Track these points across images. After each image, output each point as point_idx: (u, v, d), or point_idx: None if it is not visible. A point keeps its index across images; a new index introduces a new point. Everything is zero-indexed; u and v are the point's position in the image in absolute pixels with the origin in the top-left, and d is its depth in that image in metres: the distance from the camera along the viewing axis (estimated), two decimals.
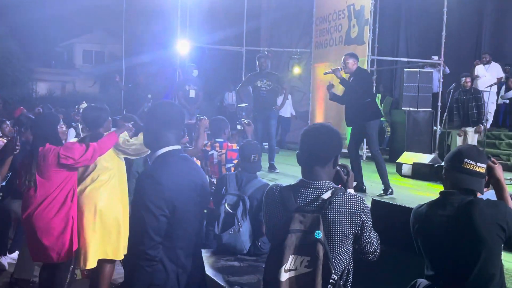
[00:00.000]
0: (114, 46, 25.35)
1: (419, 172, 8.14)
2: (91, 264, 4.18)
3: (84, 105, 7.69)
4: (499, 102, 11.51)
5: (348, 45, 11.54)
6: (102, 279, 4.28)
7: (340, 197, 2.21)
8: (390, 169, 9.00)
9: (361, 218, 2.22)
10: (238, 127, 5.47)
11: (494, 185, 2.60)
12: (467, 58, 12.40)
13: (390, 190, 6.43)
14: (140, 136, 4.39)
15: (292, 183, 2.36)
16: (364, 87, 6.55)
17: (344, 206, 2.20)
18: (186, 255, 2.38)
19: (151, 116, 2.51)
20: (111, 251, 4.22)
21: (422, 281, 2.59)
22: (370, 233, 2.28)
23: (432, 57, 11.83)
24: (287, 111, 12.70)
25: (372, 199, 4.35)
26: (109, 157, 4.29)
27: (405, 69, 11.00)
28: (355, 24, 11.28)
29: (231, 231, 3.82)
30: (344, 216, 2.19)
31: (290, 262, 2.12)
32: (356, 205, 2.22)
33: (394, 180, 8.09)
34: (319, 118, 12.60)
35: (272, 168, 8.44)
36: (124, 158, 4.51)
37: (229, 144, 5.34)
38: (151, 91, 12.56)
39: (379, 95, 12.33)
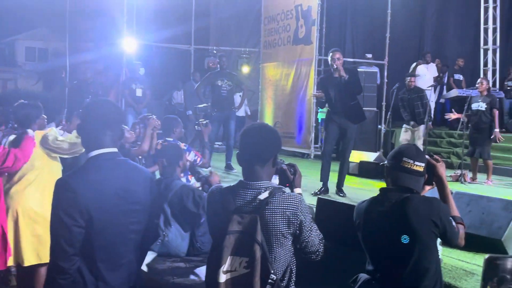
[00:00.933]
0: (58, 43, 24.56)
1: (365, 170, 8.34)
2: (25, 269, 4.00)
3: None
4: (440, 101, 11.93)
5: (296, 44, 11.66)
6: (36, 286, 4.05)
7: (277, 197, 2.21)
8: (336, 167, 9.17)
9: (298, 217, 2.21)
10: (196, 127, 5.39)
11: (436, 183, 2.68)
12: (410, 58, 12.76)
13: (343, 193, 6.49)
14: (70, 135, 4.24)
15: (232, 184, 2.36)
16: (358, 87, 6.43)
17: (281, 206, 2.19)
18: (109, 267, 2.21)
19: (86, 115, 2.35)
20: (44, 255, 3.93)
21: (363, 276, 2.66)
22: (310, 232, 2.27)
23: (366, 55, 12.14)
24: (242, 110, 12.71)
25: (318, 197, 4.40)
26: (37, 156, 4.08)
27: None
28: (302, 24, 11.40)
29: (159, 242, 3.75)
30: (281, 216, 2.19)
31: (228, 263, 2.12)
32: (294, 205, 2.21)
33: None
34: (268, 117, 12.66)
35: (229, 168, 8.39)
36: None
37: (179, 143, 5.27)
38: (97, 89, 12.26)
39: None
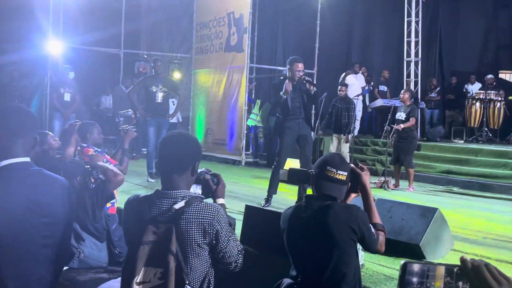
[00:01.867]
0: None
1: (295, 177, 8.41)
2: None
3: None
4: (368, 110, 12.37)
5: (228, 52, 11.71)
6: None
7: (193, 207, 2.19)
8: (267, 174, 9.27)
9: (214, 227, 2.19)
10: (122, 133, 5.25)
11: (360, 191, 2.76)
12: (338, 68, 13.15)
13: None
14: None
15: (149, 193, 2.32)
16: (317, 97, 6.37)
17: (197, 215, 2.17)
18: (18, 284, 2.08)
19: None
20: None
21: (286, 280, 2.71)
22: (227, 243, 2.25)
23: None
24: (175, 116, 12.56)
25: (246, 204, 4.41)
26: None
27: (281, 78, 11.38)
28: (234, 32, 11.47)
29: (76, 259, 3.64)
30: (197, 226, 2.17)
31: (142, 274, 2.08)
32: (210, 215, 2.19)
33: None
34: (199, 124, 12.61)
35: (150, 177, 8.20)
36: None
37: (90, 149, 5.07)
38: (22, 93, 11.71)
39: (258, 101, 12.66)
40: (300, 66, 6.05)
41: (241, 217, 4.35)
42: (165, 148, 2.30)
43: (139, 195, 2.34)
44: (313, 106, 6.51)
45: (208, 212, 2.19)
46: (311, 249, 2.57)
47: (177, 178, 2.26)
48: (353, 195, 2.79)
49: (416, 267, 1.20)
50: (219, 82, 11.89)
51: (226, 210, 2.49)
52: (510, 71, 12.31)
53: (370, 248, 2.62)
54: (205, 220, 2.17)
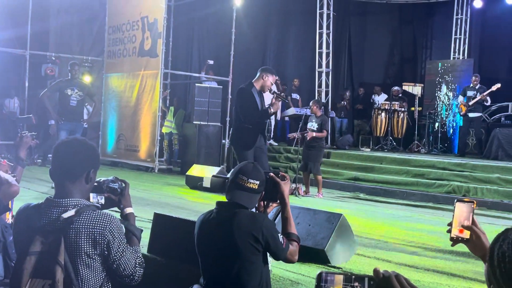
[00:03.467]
0: None
1: (217, 185, 8.33)
2: None
3: None
4: (278, 118, 12.62)
5: (142, 56, 11.51)
6: None
7: (84, 216, 2.11)
8: (180, 181, 9.19)
9: (106, 238, 2.11)
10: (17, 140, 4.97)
11: (279, 199, 2.76)
12: (253, 77, 13.29)
13: None
14: None
15: (39, 202, 2.22)
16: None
17: (87, 225, 2.10)
18: None
19: None
20: None
21: (195, 287, 2.68)
22: (121, 254, 2.18)
23: (208, 61, 12.50)
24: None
25: (154, 212, 4.33)
26: None
27: (196, 84, 11.38)
28: (148, 36, 11.29)
29: None
30: (86, 236, 2.09)
31: (28, 286, 1.99)
32: (101, 224, 2.11)
33: (183, 192, 8.26)
34: (111, 129, 12.25)
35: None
36: None
37: None
38: None
39: (172, 108, 12.53)
40: (273, 79, 5.70)
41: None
42: (58, 154, 2.22)
43: (30, 204, 2.23)
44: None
45: (100, 222, 2.11)
46: (216, 257, 2.58)
47: (69, 185, 2.18)
48: (274, 204, 2.79)
49: (326, 275, 1.24)
50: (132, 87, 11.64)
51: (136, 219, 2.43)
52: (413, 84, 13.08)
53: (276, 256, 2.62)
54: (95, 230, 2.09)
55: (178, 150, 12.10)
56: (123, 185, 2.41)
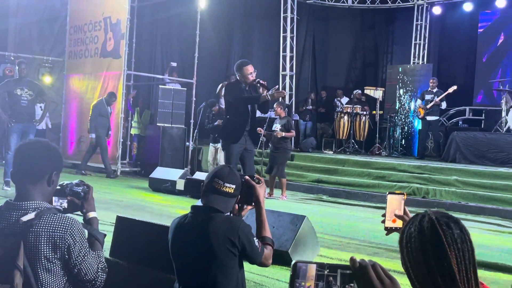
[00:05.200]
0: None
1: (192, 188, 8.18)
2: None
3: None
4: None
5: (104, 57, 11.34)
6: None
7: (44, 219, 2.08)
8: (143, 184, 9.10)
9: (66, 241, 2.07)
10: None
11: (254, 203, 2.74)
12: (217, 79, 13.31)
13: None
14: None
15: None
16: (267, 103, 5.80)
17: (47, 229, 2.07)
18: None
19: None
20: None
21: None
22: (83, 258, 2.15)
23: (171, 63, 12.45)
24: (43, 122, 11.82)
25: (117, 215, 4.28)
26: None
27: (160, 86, 11.30)
28: (111, 37, 11.14)
29: None
30: (46, 239, 2.06)
31: None
32: (62, 228, 2.08)
33: (146, 195, 8.18)
34: (71, 131, 12.02)
35: (6, 185, 7.61)
36: None
37: None
38: None
39: (137, 109, 12.39)
40: (250, 68, 5.61)
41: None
42: (19, 155, 2.18)
43: None
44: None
45: (60, 225, 2.08)
46: (192, 261, 2.55)
47: (30, 188, 2.14)
48: (248, 207, 2.77)
49: (304, 266, 1.24)
50: (94, 88, 11.45)
51: (99, 222, 2.39)
52: (374, 88, 13.35)
53: (252, 260, 2.62)
54: (56, 234, 2.06)
55: (137, 153, 11.98)
56: (87, 188, 2.37)
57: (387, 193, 1.90)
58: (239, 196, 2.72)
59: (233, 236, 2.49)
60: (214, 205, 2.60)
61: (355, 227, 6.38)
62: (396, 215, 1.79)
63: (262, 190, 2.74)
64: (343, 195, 9.11)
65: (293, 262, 1.25)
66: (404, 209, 1.85)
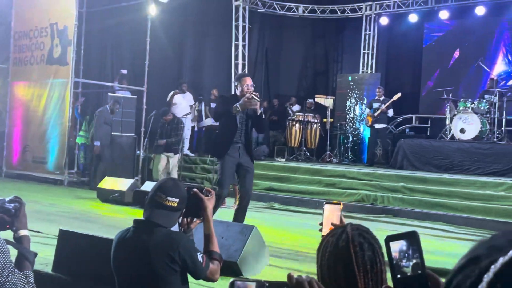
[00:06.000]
0: None
1: (139, 199, 7.98)
2: None
3: None
4: (196, 129, 12.57)
5: (51, 64, 11.04)
6: None
7: None
8: (91, 194, 8.87)
9: None
10: None
11: (203, 216, 2.66)
12: (169, 87, 13.18)
13: None
14: None
15: None
16: (261, 117, 5.61)
17: None
18: None
19: None
20: None
21: None
22: (6, 278, 2.02)
23: (121, 70, 12.28)
24: None
25: (60, 229, 4.14)
26: None
27: (109, 94, 11.09)
28: (58, 43, 10.86)
29: None
30: None
31: None
32: None
33: (94, 206, 7.97)
34: (16, 140, 11.61)
35: None
36: None
37: None
38: None
39: (87, 117, 12.10)
40: (248, 81, 5.48)
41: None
42: None
43: None
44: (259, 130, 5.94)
45: None
46: (133, 277, 2.49)
47: None
48: (197, 220, 2.69)
49: (239, 284, 1.21)
50: (40, 96, 11.12)
51: (41, 235, 2.29)
52: (325, 96, 13.54)
53: (197, 276, 2.56)
54: None
55: (84, 162, 11.65)
56: (18, 205, 2.26)
57: (324, 202, 1.97)
58: (188, 209, 2.64)
59: (173, 252, 2.43)
60: (156, 220, 2.52)
61: (306, 235, 6.41)
62: (333, 224, 1.83)
63: (210, 202, 2.65)
64: (294, 203, 9.16)
65: (230, 281, 1.23)
66: (341, 218, 1.92)
